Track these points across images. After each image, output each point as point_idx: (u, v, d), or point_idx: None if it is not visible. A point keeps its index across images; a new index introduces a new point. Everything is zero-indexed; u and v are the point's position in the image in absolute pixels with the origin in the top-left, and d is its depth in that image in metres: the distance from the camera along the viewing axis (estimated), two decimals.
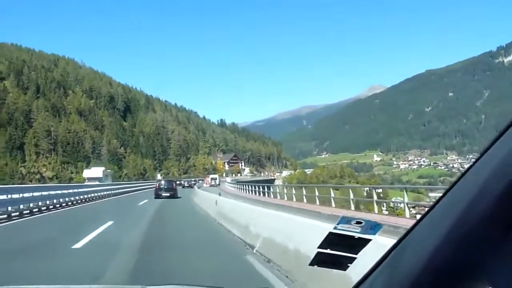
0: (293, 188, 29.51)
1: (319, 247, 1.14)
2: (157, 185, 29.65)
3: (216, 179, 67.78)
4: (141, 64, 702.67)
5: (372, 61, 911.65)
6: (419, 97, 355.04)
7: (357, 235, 1.12)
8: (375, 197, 18.26)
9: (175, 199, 26.95)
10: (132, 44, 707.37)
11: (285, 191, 29.00)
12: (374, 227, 1.13)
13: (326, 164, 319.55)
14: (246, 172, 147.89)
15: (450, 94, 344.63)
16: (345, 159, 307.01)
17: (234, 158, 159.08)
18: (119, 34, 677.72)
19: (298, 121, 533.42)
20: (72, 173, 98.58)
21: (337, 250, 1.14)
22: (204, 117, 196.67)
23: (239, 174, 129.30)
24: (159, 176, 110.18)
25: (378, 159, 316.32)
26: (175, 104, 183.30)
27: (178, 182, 37.95)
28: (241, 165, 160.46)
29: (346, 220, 1.13)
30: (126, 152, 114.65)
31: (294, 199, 24.91)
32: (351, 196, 18.55)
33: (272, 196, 31.55)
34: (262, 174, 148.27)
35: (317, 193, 22.19)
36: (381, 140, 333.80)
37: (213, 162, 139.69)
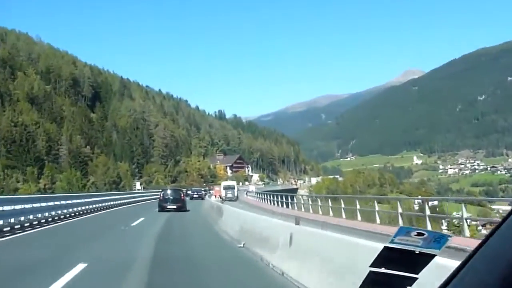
0: (329, 200, 31.45)
1: (371, 265, 1.15)
2: (161, 195, 30.68)
3: (233, 188, 57.82)
4: (115, 41, 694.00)
5: (406, 39, 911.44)
6: (470, 83, 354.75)
7: (418, 249, 1.12)
8: (427, 212, 17.65)
9: (184, 214, 27.04)
10: (103, 18, 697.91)
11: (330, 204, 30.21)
12: (439, 239, 1.12)
13: (353, 169, 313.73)
14: (255, 179, 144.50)
15: (510, 78, 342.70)
16: (376, 162, 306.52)
17: (238, 161, 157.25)
18: (87, 4, 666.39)
19: (314, 115, 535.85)
20: (18, 181, 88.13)
21: (394, 269, 1.13)
22: (197, 108, 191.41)
23: (246, 182, 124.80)
24: (138, 186, 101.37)
25: (419, 162, 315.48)
26: (159, 90, 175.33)
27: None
28: (248, 170, 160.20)
29: (404, 231, 1.13)
30: (93, 153, 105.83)
31: (331, 213, 26.68)
32: (399, 210, 19.24)
33: (296, 207, 35.50)
34: (278, 181, 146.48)
35: (358, 206, 23.73)
36: (422, 138, 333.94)
37: (211, 166, 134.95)
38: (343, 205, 25.24)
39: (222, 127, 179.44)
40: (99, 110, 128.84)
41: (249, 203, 43.58)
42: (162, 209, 28.64)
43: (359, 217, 22.55)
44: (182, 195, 31.24)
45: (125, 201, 45.99)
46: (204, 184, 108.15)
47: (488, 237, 0.88)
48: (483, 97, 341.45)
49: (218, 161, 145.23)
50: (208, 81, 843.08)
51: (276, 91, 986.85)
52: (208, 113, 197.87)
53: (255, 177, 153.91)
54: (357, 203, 23.65)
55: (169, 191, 31.97)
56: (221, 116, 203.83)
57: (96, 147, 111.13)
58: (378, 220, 20.67)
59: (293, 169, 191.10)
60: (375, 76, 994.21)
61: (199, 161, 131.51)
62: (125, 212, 32.40)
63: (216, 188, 63.89)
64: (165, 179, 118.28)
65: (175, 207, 28.74)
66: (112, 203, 38.94)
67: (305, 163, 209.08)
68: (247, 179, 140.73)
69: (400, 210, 19.11)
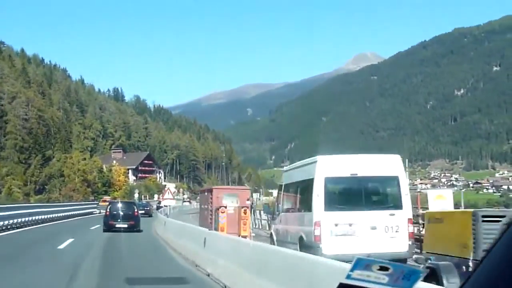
0: None
1: None
2: (108, 210, 32.26)
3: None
4: None
5: (355, 17, 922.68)
6: (445, 71, 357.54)
7: None
8: None
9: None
10: None
11: None
12: (408, 276, 1.12)
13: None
14: (169, 193, 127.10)
15: (496, 68, 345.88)
16: None
17: (146, 161, 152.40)
18: None
19: (238, 108, 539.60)
20: None
21: None
22: (82, 80, 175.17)
23: (156, 196, 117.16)
24: None
25: None
26: (22, 50, 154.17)
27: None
28: (160, 176, 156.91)
29: (364, 264, 1.14)
30: None
31: None
32: None
33: None
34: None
35: None
36: (383, 143, 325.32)
37: (105, 168, 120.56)
38: None
39: (120, 112, 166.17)
40: None
41: None
42: (109, 228, 29.99)
43: None
44: (135, 210, 32.49)
45: None
46: (92, 198, 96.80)
47: (484, 258, 0.99)
48: (462, 91, 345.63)
49: (114, 161, 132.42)
50: (100, 55, 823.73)
51: (189, 77, 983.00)
52: (100, 90, 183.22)
53: (171, 187, 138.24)
54: None
55: (119, 205, 33.45)
56: (117, 96, 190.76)
57: None
58: None
59: (223, 178, 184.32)
60: (318, 62, 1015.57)
61: (84, 159, 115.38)
62: None
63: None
64: (24, 188, 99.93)
65: (126, 226, 30.24)
66: None
67: (240, 170, 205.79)
68: (160, 190, 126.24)
69: None
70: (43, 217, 37.49)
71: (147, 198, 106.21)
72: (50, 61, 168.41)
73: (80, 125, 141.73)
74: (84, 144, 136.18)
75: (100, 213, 54.40)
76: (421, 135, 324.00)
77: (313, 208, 14.12)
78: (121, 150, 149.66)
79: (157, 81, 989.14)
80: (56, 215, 41.13)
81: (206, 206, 34.75)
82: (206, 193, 37.33)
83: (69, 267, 15.14)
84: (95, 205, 59.59)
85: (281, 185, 18.72)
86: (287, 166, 22.97)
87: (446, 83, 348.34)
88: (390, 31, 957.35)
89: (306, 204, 15.16)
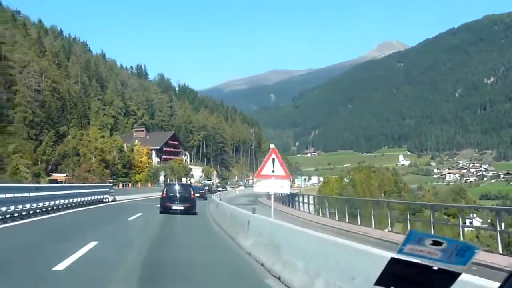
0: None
1: (376, 283, 1.15)
2: (165, 192, 31.92)
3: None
4: None
5: (379, 5, 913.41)
6: (474, 60, 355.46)
7: (436, 265, 1.08)
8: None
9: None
10: None
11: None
12: (463, 252, 1.08)
13: (317, 168, 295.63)
14: (198, 177, 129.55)
15: None
16: (347, 161, 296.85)
17: (172, 142, 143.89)
18: None
19: (261, 94, 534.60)
20: None
21: None
22: (103, 55, 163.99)
23: (183, 180, 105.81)
24: None
25: (406, 163, 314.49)
26: (40, 21, 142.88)
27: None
28: (186, 159, 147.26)
29: (417, 238, 1.10)
30: None
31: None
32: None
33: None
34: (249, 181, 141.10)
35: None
36: (410, 131, 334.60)
37: (126, 147, 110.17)
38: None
39: (143, 89, 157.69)
40: None
41: None
42: (165, 209, 29.73)
43: None
44: (192, 192, 32.21)
45: None
46: (111, 180, 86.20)
47: None
48: (492, 79, 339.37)
49: (136, 140, 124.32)
50: (126, 33, 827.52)
51: (210, 63, 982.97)
52: (122, 66, 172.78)
53: (198, 171, 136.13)
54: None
55: (176, 187, 32.66)
56: (140, 74, 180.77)
57: None
58: None
59: (252, 162, 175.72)
60: (341, 49, 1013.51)
61: (102, 136, 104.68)
62: None
63: None
64: (34, 167, 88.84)
65: (182, 208, 29.98)
66: None
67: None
68: (187, 173, 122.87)
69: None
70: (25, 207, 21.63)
71: (174, 181, 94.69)
72: (69, 34, 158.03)
73: (99, 101, 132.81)
74: (104, 121, 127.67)
75: (113, 201, 40.74)
76: (449, 123, 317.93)
77: None
78: (143, 129, 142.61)
79: (178, 66, 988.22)
80: (43, 204, 24.93)
81: None
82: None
83: None
84: (108, 190, 43.12)
85: None
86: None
87: (475, 71, 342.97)
88: (416, 19, 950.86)
89: None
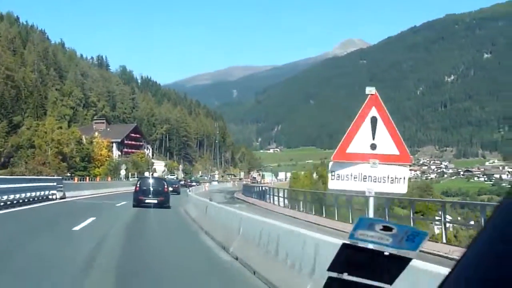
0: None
1: (330, 269, 1.13)
2: (138, 185, 31.61)
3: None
4: None
5: (343, 4, 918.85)
6: (435, 58, 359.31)
7: (386, 250, 1.08)
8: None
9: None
10: None
11: None
12: (413, 237, 1.08)
13: (280, 164, 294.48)
14: (161, 171, 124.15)
15: (487, 55, 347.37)
16: (310, 157, 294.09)
17: (133, 135, 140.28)
18: None
19: (223, 90, 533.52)
20: None
21: (359, 275, 1.09)
22: (62, 43, 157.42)
23: (146, 173, 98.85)
24: None
25: None
26: None
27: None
28: (148, 153, 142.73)
29: (367, 224, 1.09)
30: None
31: None
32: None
33: None
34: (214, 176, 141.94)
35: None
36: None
37: (85, 139, 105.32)
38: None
39: (104, 79, 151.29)
40: None
41: None
42: (139, 203, 29.51)
43: None
44: (165, 186, 32.34)
45: None
46: (68, 173, 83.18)
47: (473, 242, 0.92)
48: (452, 77, 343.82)
49: (96, 133, 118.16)
50: (88, 24, 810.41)
51: (174, 58, 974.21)
52: (82, 56, 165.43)
53: (160, 166, 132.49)
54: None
55: (150, 181, 32.77)
56: (102, 64, 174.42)
57: None
58: None
59: (216, 157, 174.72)
60: (304, 47, 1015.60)
61: (60, 127, 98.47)
62: None
63: None
64: None
65: (156, 201, 29.92)
66: None
67: (234, 150, 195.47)
68: (149, 167, 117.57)
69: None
70: None
71: (135, 176, 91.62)
72: (26, 21, 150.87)
73: (57, 91, 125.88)
74: (62, 112, 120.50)
75: (62, 198, 33.45)
76: (410, 121, 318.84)
77: None
78: (104, 121, 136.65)
79: (141, 58, 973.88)
80: None
81: None
82: None
83: None
84: (55, 184, 33.88)
85: None
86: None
87: (437, 69, 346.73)
88: (378, 17, 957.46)
89: None
